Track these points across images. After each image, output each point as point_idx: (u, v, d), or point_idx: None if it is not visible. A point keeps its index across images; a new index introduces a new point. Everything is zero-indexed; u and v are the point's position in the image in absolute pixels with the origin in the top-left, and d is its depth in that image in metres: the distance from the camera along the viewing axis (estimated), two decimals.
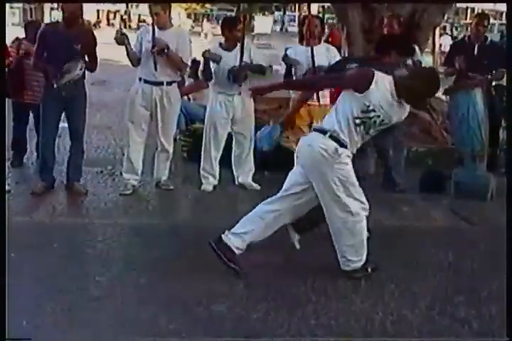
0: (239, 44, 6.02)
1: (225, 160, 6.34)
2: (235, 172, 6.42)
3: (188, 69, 6.59)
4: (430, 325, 3.66)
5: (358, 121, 4.07)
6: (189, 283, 4.03)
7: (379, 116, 4.08)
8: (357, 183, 4.15)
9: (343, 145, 4.06)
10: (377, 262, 4.30)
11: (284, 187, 4.26)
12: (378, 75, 4.06)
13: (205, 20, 51.01)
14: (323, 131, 4.12)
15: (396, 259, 4.62)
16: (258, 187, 6.27)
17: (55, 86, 5.64)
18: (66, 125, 6.09)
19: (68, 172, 6.10)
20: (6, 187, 5.72)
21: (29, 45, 6.42)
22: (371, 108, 4.04)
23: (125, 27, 38.50)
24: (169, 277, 4.15)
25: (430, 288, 4.18)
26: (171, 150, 6.24)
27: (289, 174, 4.31)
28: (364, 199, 4.19)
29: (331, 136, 4.06)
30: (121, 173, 6.35)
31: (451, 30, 28.74)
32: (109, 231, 5.00)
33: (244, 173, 6.37)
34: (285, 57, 6.21)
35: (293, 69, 6.19)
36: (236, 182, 6.36)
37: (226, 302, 3.82)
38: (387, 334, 3.53)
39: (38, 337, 3.36)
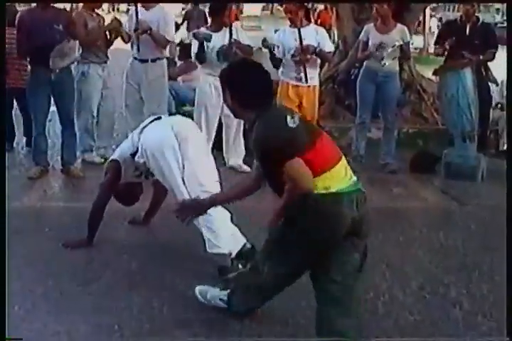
0: (225, 27, 6.08)
1: (216, 143, 6.33)
2: (225, 155, 6.41)
3: (177, 49, 6.86)
4: (421, 305, 3.67)
5: None
6: (180, 268, 4.03)
7: None
8: None
9: None
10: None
11: None
12: None
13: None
14: None
15: (387, 240, 4.64)
16: (249, 170, 6.26)
17: (54, 69, 5.69)
18: (54, 109, 6.05)
19: (63, 157, 6.11)
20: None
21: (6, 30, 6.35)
22: None
23: (113, 10, 38.09)
24: (161, 261, 4.15)
25: (421, 268, 4.20)
26: None
27: None
28: None
29: None
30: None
31: (444, 10, 28.60)
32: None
33: (235, 156, 6.37)
34: (263, 42, 6.27)
35: (276, 52, 6.20)
36: (227, 165, 6.35)
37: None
38: (378, 315, 3.56)
39: (29, 321, 3.37)
